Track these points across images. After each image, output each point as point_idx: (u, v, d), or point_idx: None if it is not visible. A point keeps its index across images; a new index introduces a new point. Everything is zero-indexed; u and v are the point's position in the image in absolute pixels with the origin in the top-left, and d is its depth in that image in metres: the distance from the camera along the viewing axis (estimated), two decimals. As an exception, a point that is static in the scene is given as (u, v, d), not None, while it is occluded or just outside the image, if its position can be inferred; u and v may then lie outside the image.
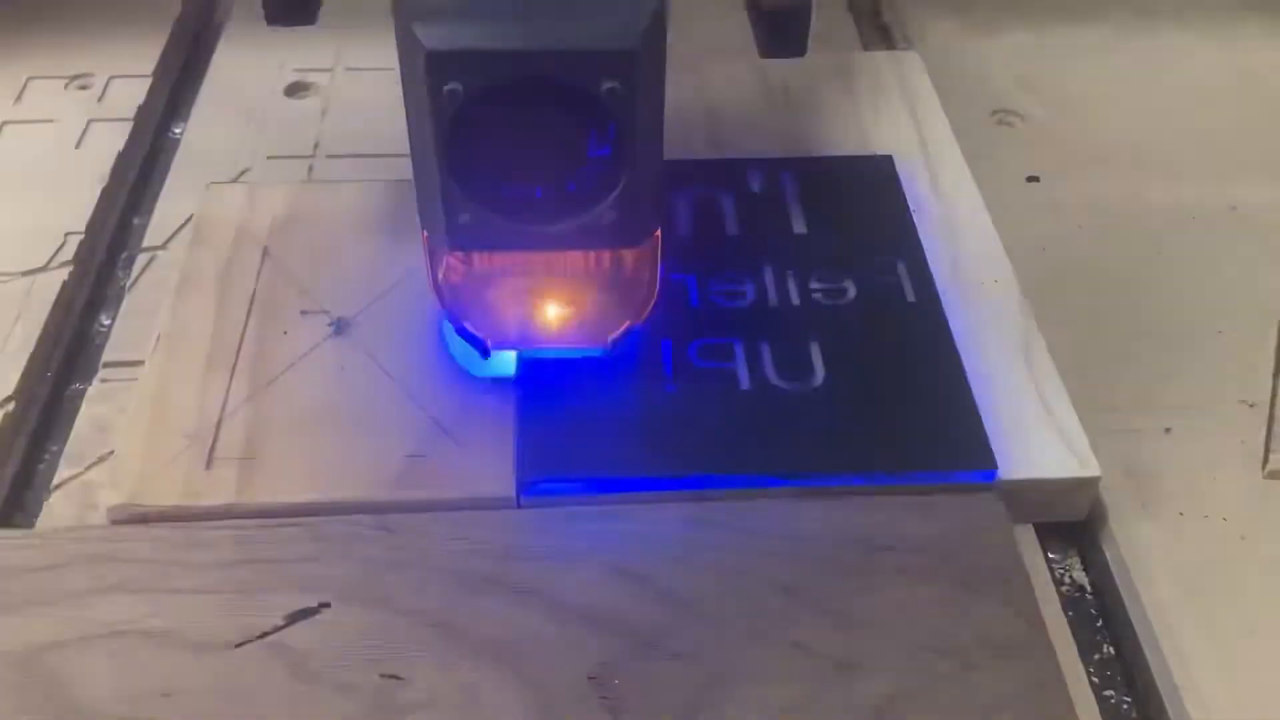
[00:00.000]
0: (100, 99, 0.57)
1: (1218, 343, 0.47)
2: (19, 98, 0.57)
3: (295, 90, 0.59)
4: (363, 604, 0.36)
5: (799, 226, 0.48)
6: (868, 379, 0.42)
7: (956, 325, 0.44)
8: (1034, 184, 0.54)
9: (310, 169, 0.54)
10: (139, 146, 0.56)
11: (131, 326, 0.47)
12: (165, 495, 0.39)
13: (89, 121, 0.55)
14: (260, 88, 0.58)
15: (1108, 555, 0.40)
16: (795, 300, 0.45)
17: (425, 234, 0.38)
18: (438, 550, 0.38)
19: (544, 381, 0.42)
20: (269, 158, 0.54)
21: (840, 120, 0.55)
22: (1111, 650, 0.39)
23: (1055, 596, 0.40)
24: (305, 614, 0.36)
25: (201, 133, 0.56)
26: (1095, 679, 0.38)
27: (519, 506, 0.39)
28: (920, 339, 0.44)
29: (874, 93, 0.56)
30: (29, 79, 0.58)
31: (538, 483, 0.39)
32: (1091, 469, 0.40)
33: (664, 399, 0.41)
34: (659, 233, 0.39)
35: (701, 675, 0.35)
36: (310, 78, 0.59)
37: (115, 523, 0.39)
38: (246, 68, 0.60)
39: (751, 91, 0.56)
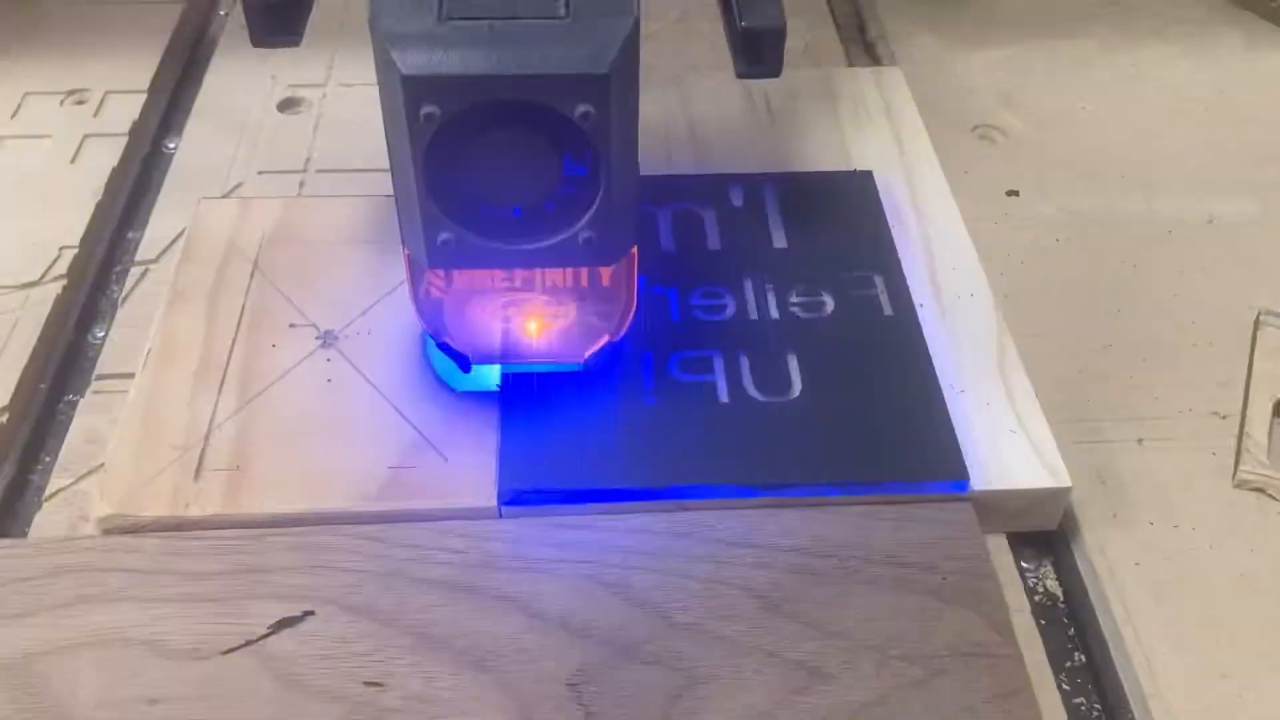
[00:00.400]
0: (95, 114, 0.58)
1: (1191, 355, 0.47)
2: (15, 113, 0.58)
3: (288, 106, 0.60)
4: (346, 612, 0.37)
5: (779, 241, 0.49)
6: (844, 391, 0.43)
7: (932, 338, 0.45)
8: (1013, 198, 0.55)
9: (301, 184, 0.55)
10: (133, 161, 0.57)
11: (125, 339, 0.48)
12: (154, 506, 0.39)
13: (84, 137, 0.56)
14: (253, 103, 0.59)
15: (1079, 564, 0.41)
16: (774, 314, 0.46)
17: (406, 251, 0.39)
18: (420, 560, 0.38)
19: (526, 394, 0.42)
20: (260, 172, 0.55)
21: (822, 136, 0.56)
22: (1082, 658, 0.40)
23: (1027, 605, 0.40)
24: (290, 622, 0.37)
25: (195, 148, 0.57)
26: (1066, 687, 0.39)
27: (500, 517, 0.40)
28: (896, 352, 0.44)
29: (856, 109, 0.57)
30: (26, 94, 0.59)
31: (519, 494, 0.40)
32: (1063, 480, 0.41)
33: (644, 411, 0.42)
34: (635, 250, 0.39)
35: (676, 682, 0.36)
36: (303, 93, 0.60)
37: (105, 533, 0.40)
38: (240, 83, 0.60)
39: (735, 107, 0.57)
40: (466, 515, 0.40)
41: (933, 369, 0.44)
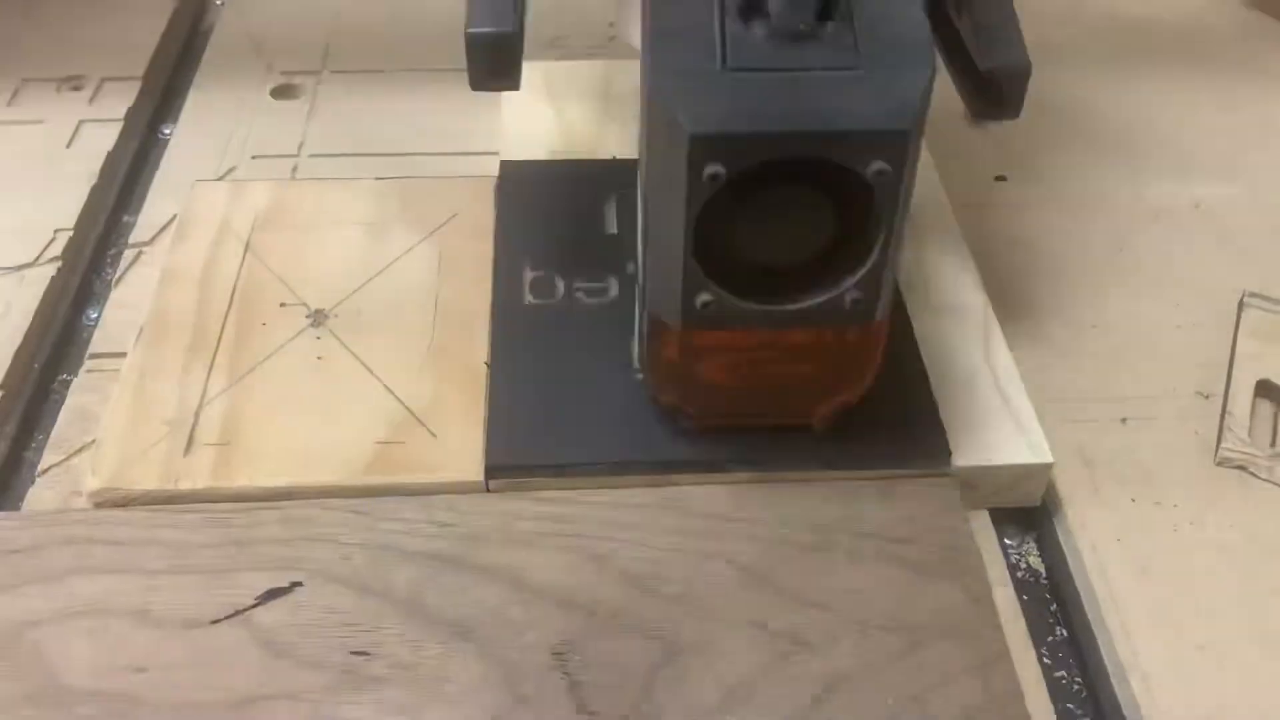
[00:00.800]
0: (91, 100, 0.58)
1: (1176, 336, 0.48)
2: (12, 99, 0.58)
3: (282, 92, 0.60)
4: (334, 584, 0.38)
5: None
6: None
7: (918, 318, 0.45)
8: (1002, 183, 0.55)
9: (295, 168, 0.55)
10: (128, 146, 0.57)
11: (118, 320, 0.48)
12: (145, 479, 0.40)
13: (80, 122, 0.57)
14: (248, 90, 0.60)
15: (1062, 540, 0.41)
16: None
17: (649, 311, 0.37)
18: (408, 532, 0.39)
19: (514, 370, 0.43)
20: (254, 157, 0.56)
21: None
22: (1064, 633, 0.40)
23: (1010, 581, 0.41)
24: (278, 593, 0.37)
25: (190, 133, 0.58)
26: (1047, 660, 0.39)
27: (488, 491, 0.40)
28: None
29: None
30: (23, 81, 0.59)
31: (506, 468, 0.40)
32: (1044, 456, 0.41)
33: (631, 387, 0.42)
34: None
35: (659, 650, 0.36)
36: (297, 80, 0.61)
37: (97, 506, 0.40)
38: (235, 71, 0.61)
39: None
40: (454, 489, 0.40)
41: (917, 347, 0.44)
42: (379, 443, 0.41)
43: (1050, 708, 0.37)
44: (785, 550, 0.39)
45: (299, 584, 0.38)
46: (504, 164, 0.52)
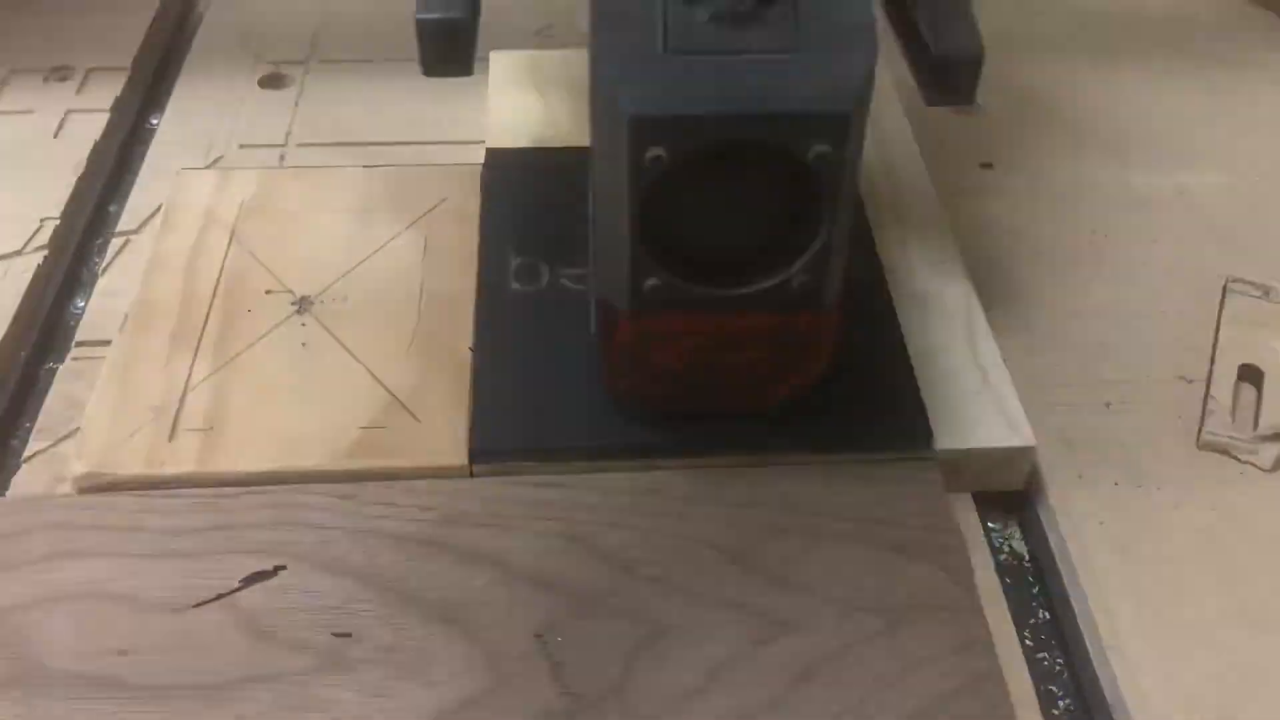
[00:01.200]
0: (79, 91, 0.58)
1: (1159, 321, 0.48)
2: (-1, 90, 0.58)
3: (270, 82, 0.60)
4: (317, 568, 0.38)
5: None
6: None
7: (902, 302, 0.45)
8: (987, 170, 0.56)
9: (282, 157, 0.55)
10: (115, 136, 0.57)
11: (104, 308, 0.48)
12: (129, 465, 0.40)
13: (67, 112, 0.57)
14: (235, 80, 0.60)
15: (1044, 524, 0.41)
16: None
17: (600, 297, 0.37)
18: (391, 516, 0.39)
19: (498, 356, 0.43)
20: (242, 146, 0.56)
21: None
22: (1046, 615, 0.40)
23: (993, 564, 0.41)
24: (261, 576, 0.37)
25: (177, 123, 0.58)
26: (1029, 642, 0.39)
27: (472, 476, 0.40)
28: (865, 316, 0.45)
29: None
30: (10, 72, 0.59)
31: (490, 453, 0.40)
32: (1027, 439, 0.41)
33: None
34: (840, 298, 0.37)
35: (641, 633, 0.36)
36: (285, 70, 0.61)
37: (81, 491, 0.40)
38: (223, 61, 0.61)
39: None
40: (438, 474, 0.40)
41: (900, 332, 0.44)
42: (363, 428, 0.41)
43: (1031, 688, 0.37)
44: (767, 533, 0.39)
45: (282, 568, 0.38)
46: (490, 151, 0.52)
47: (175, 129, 0.57)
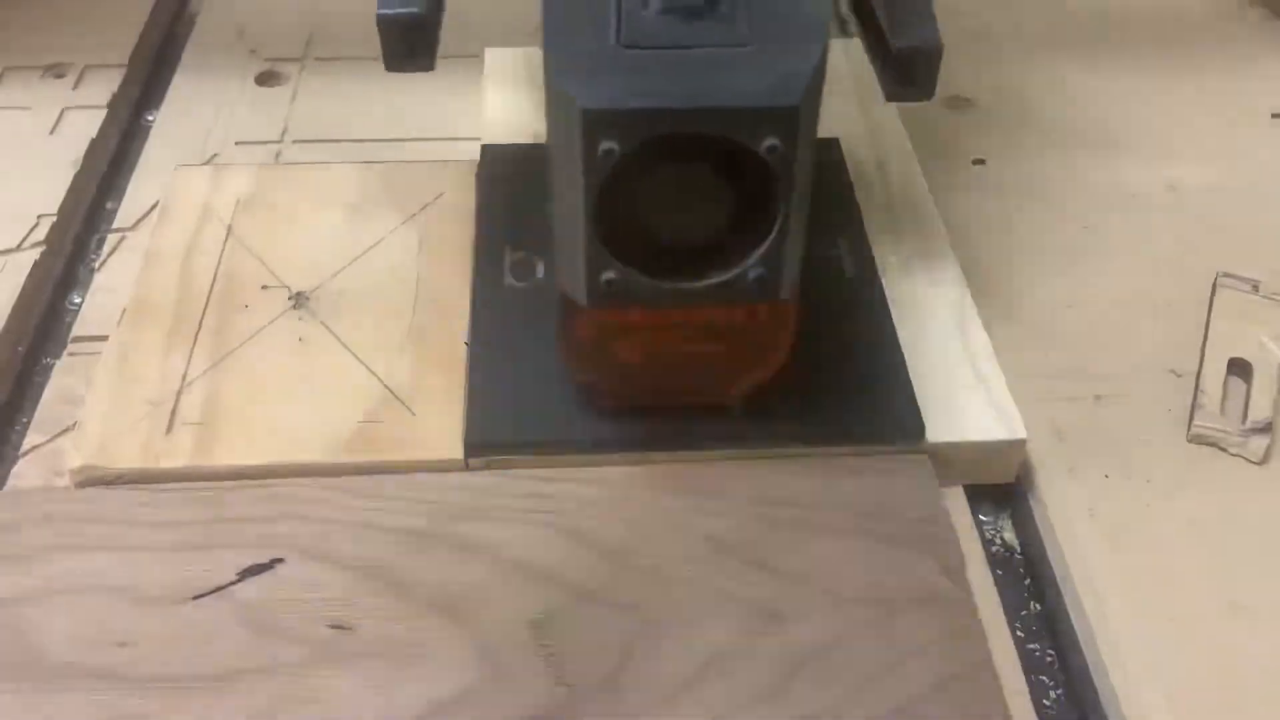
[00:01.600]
0: (75, 87, 0.59)
1: (1150, 316, 0.48)
2: (-5, 87, 0.59)
3: (266, 79, 0.60)
4: (314, 560, 0.38)
5: (747, 205, 0.49)
6: (806, 346, 0.43)
7: (894, 298, 0.46)
8: (980, 166, 0.56)
9: (278, 154, 0.56)
10: (111, 133, 0.57)
11: (101, 304, 0.48)
12: (126, 458, 0.40)
13: (63, 109, 0.57)
14: (231, 77, 0.60)
15: (1035, 515, 0.42)
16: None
17: (561, 290, 0.37)
18: (387, 510, 0.39)
19: (494, 350, 0.43)
20: (238, 143, 0.56)
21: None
22: (1037, 606, 0.41)
23: (984, 556, 0.41)
24: (258, 569, 0.38)
25: (173, 120, 0.58)
26: (1020, 633, 0.40)
27: (467, 469, 0.41)
28: (857, 311, 0.45)
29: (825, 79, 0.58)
30: (5, 69, 0.59)
31: (485, 446, 0.41)
32: (1018, 432, 0.42)
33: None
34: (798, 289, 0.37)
35: (636, 623, 0.36)
36: (280, 67, 0.61)
37: (79, 484, 0.40)
38: (219, 57, 0.61)
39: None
40: (433, 467, 0.40)
41: (892, 326, 0.44)
42: (360, 422, 0.41)
43: (1022, 679, 0.37)
44: (760, 524, 0.39)
45: (280, 560, 0.38)
46: (485, 148, 0.52)
47: (171, 125, 0.57)
